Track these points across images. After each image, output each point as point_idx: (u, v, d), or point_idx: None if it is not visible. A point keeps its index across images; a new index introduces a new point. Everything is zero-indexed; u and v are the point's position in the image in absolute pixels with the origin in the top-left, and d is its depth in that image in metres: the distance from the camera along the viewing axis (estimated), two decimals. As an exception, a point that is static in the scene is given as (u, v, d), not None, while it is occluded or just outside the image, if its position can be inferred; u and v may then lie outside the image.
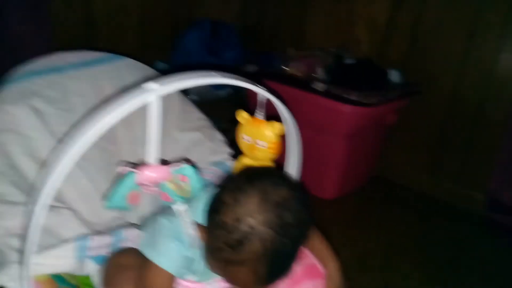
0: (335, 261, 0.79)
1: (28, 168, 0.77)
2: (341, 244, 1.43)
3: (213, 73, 0.57)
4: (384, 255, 1.41)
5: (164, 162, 0.62)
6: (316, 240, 0.80)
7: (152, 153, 0.57)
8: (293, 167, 0.78)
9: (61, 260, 0.67)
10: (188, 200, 0.66)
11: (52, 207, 0.75)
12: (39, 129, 0.82)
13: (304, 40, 2.01)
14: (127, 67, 0.96)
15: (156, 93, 0.52)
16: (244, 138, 0.71)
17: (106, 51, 1.02)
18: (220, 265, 0.61)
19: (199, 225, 0.64)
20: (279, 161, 0.77)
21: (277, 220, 0.57)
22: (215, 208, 0.60)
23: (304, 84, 1.59)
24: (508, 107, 1.54)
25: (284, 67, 1.71)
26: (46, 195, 0.50)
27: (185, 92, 1.78)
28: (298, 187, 0.64)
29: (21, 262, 0.55)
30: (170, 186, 0.62)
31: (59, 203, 0.77)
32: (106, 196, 0.61)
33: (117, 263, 0.70)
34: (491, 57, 1.58)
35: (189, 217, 0.66)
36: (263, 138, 0.69)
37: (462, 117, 1.68)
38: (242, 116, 0.71)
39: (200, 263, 0.67)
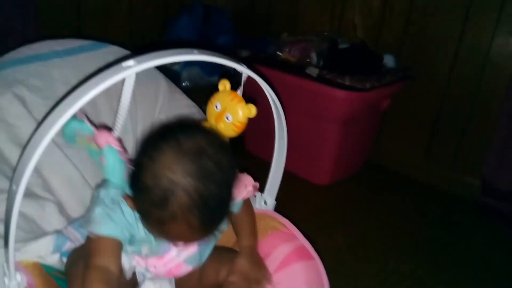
0: (251, 239, 0.77)
1: (14, 155, 0.76)
2: (335, 230, 1.43)
3: (192, 50, 0.56)
4: (378, 241, 1.41)
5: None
6: (244, 212, 0.78)
7: (118, 125, 0.58)
8: (280, 149, 0.77)
9: (42, 253, 0.67)
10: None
11: (37, 199, 0.75)
12: (24, 117, 0.81)
13: (298, 24, 1.98)
14: (112, 55, 0.94)
15: (132, 69, 0.51)
16: (217, 106, 0.69)
17: (94, 37, 1.01)
18: (156, 227, 0.61)
19: (126, 195, 0.63)
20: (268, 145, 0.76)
21: (196, 168, 0.56)
22: (135, 173, 0.59)
23: (297, 69, 1.57)
24: (502, 92, 1.53)
25: (277, 52, 1.69)
26: (27, 171, 0.50)
27: (177, 79, 1.77)
28: (214, 134, 0.63)
29: (5, 244, 0.55)
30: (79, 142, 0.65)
31: (46, 192, 0.78)
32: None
33: (73, 257, 0.70)
34: (487, 41, 1.55)
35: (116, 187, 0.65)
36: (233, 113, 0.67)
37: (457, 102, 1.66)
38: (224, 84, 0.69)
39: (139, 225, 0.66)
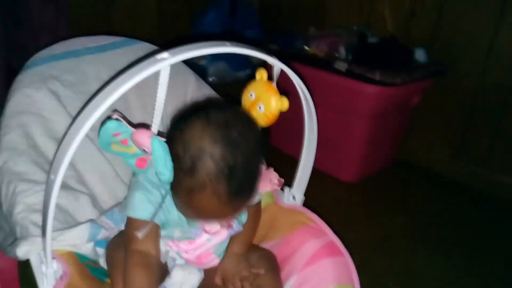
0: (242, 248, 0.76)
1: (49, 148, 0.79)
2: (362, 227, 1.41)
3: (225, 42, 0.56)
4: (405, 239, 1.39)
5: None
6: (249, 219, 0.78)
7: (156, 119, 0.58)
8: (310, 144, 0.76)
9: (77, 241, 0.69)
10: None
11: (72, 191, 0.77)
12: (58, 112, 0.84)
13: (326, 18, 1.96)
14: (143, 51, 0.95)
15: (167, 62, 0.51)
16: (251, 95, 0.69)
17: (124, 34, 1.03)
18: (185, 200, 0.62)
19: None
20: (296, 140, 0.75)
21: (223, 137, 0.58)
22: (168, 147, 0.60)
23: (326, 64, 1.55)
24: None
25: (305, 47, 1.67)
26: (65, 161, 0.51)
27: (204, 74, 1.78)
28: (242, 111, 0.66)
29: (43, 233, 0.57)
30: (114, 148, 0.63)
31: (80, 185, 0.80)
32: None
33: (113, 244, 0.72)
34: (524, 35, 1.49)
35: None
36: (266, 103, 0.67)
37: (490, 99, 1.60)
38: (261, 74, 0.69)
39: (172, 209, 0.67)
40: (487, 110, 1.62)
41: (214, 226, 0.70)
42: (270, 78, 0.69)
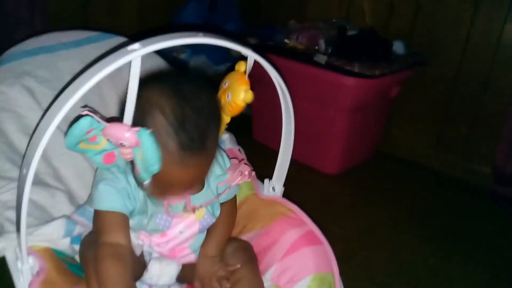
0: (216, 250, 0.75)
1: (23, 145, 0.78)
2: (344, 219, 1.43)
3: (198, 33, 0.56)
4: (388, 230, 1.41)
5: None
6: (223, 218, 0.77)
7: (128, 112, 0.56)
8: (287, 135, 0.77)
9: (54, 236, 0.68)
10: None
11: (48, 187, 0.77)
12: (32, 108, 0.83)
13: (306, 11, 1.96)
14: (118, 45, 0.94)
15: (137, 52, 0.51)
16: (225, 83, 0.71)
17: (102, 28, 1.01)
18: None
19: None
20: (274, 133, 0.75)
21: (173, 93, 0.59)
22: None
23: (305, 56, 1.56)
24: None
25: (285, 40, 1.67)
26: (36, 154, 0.50)
27: (184, 68, 1.77)
28: (197, 75, 0.68)
29: (17, 229, 0.56)
30: (138, 155, 0.58)
31: (56, 181, 0.79)
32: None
33: (86, 241, 0.71)
34: (499, 27, 1.52)
35: None
36: (234, 92, 0.69)
37: (468, 89, 1.63)
38: (240, 65, 0.71)
39: (138, 194, 0.67)
40: (465, 99, 1.65)
41: (177, 204, 0.69)
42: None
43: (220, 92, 0.72)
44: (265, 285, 0.75)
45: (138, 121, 0.58)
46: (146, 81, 0.61)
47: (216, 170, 0.74)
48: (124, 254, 0.63)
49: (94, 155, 0.61)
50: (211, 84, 0.69)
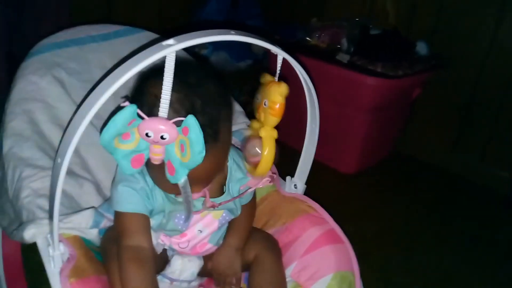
0: (238, 242, 0.76)
1: (53, 135, 0.80)
2: (361, 219, 1.43)
3: (229, 30, 0.56)
4: (404, 231, 1.40)
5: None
6: (243, 215, 0.77)
7: (164, 107, 0.55)
8: (311, 133, 0.77)
9: (83, 225, 0.70)
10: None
11: (76, 177, 0.78)
12: (62, 99, 0.84)
13: (328, 9, 1.95)
14: (146, 39, 0.96)
15: (172, 48, 0.51)
16: (258, 98, 0.68)
17: (124, 23, 1.03)
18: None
19: None
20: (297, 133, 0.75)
21: (179, 83, 0.55)
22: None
23: (327, 55, 1.56)
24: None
25: (307, 38, 1.67)
26: (71, 144, 0.51)
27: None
28: (209, 69, 0.66)
29: (50, 216, 0.57)
30: (175, 151, 0.56)
31: (84, 171, 0.81)
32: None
33: (107, 237, 0.72)
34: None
35: None
36: (267, 96, 0.66)
37: (490, 92, 1.61)
38: (264, 77, 0.68)
39: (155, 192, 0.67)
40: (486, 103, 1.63)
41: (196, 200, 0.68)
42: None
43: (258, 109, 0.69)
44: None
45: (147, 114, 0.55)
46: (148, 74, 0.60)
47: (237, 174, 0.74)
48: (146, 257, 0.63)
49: (122, 157, 0.58)
50: (219, 74, 0.69)
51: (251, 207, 0.81)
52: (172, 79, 0.53)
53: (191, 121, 0.54)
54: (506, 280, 1.23)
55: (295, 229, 0.80)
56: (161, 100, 0.53)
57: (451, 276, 1.23)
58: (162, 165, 0.58)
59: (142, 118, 0.55)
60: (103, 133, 0.56)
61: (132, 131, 0.56)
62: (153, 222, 0.69)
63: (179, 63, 0.55)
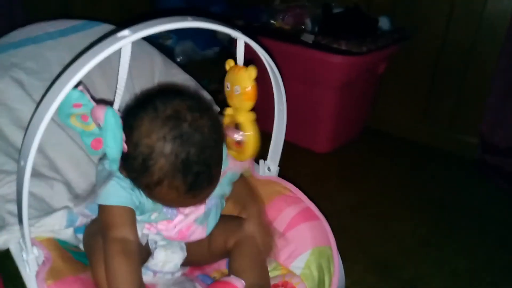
0: (257, 205, 0.77)
1: (17, 138, 0.78)
2: (337, 195, 1.46)
3: (186, 17, 0.55)
4: (379, 203, 1.44)
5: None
6: (239, 183, 0.79)
7: (118, 98, 0.57)
8: (280, 115, 0.78)
9: (56, 227, 0.69)
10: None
11: (46, 179, 0.77)
12: (23, 100, 0.83)
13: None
14: (104, 32, 0.93)
15: (128, 39, 0.51)
16: (228, 86, 0.69)
17: (83, 15, 1.00)
18: (146, 192, 0.63)
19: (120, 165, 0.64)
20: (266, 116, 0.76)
21: (173, 132, 0.57)
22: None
23: (292, 36, 1.56)
24: (497, 49, 1.52)
25: (271, 21, 1.67)
26: (33, 145, 0.51)
27: (171, 54, 1.76)
28: (195, 97, 0.65)
29: (19, 221, 0.57)
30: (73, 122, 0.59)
31: (53, 172, 0.79)
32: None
33: (90, 231, 0.72)
34: (480, -2, 1.54)
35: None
36: (237, 82, 0.67)
37: (453, 61, 1.66)
38: (228, 64, 0.69)
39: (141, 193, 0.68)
40: (450, 72, 1.67)
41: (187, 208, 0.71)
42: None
43: (229, 97, 0.70)
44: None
45: (137, 163, 0.58)
46: (136, 107, 0.61)
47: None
48: (132, 249, 0.64)
49: (85, 136, 0.61)
50: (202, 97, 0.67)
51: (245, 184, 0.81)
52: (126, 71, 0.53)
53: (107, 115, 0.56)
54: (479, 240, 1.28)
55: (272, 211, 0.81)
56: (115, 94, 0.53)
57: (427, 241, 1.28)
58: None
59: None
60: (57, 112, 0.56)
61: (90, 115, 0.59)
62: (141, 217, 0.69)
63: (170, 102, 0.58)
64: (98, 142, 0.61)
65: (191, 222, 0.74)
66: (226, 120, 0.73)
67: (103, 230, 0.65)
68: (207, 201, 0.74)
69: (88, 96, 0.56)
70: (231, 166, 0.75)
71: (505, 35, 1.49)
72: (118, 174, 0.65)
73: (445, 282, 1.14)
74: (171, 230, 0.73)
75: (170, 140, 0.57)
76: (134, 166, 0.59)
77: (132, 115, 0.60)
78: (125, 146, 0.59)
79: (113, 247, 0.63)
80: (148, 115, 0.59)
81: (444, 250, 1.25)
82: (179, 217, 0.73)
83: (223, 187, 0.76)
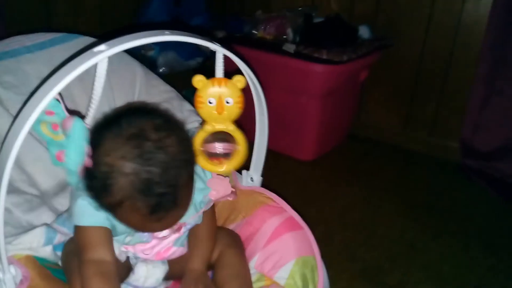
0: (200, 262, 0.73)
1: None
2: (322, 202, 1.47)
3: (163, 31, 0.55)
4: (365, 209, 1.45)
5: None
6: (203, 225, 0.75)
7: (91, 112, 0.56)
8: (261, 125, 0.78)
9: (34, 245, 0.67)
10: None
11: (24, 195, 0.75)
12: (1, 116, 0.80)
13: (271, 1, 1.96)
14: (84, 45, 0.92)
15: (104, 54, 0.50)
16: (210, 102, 0.67)
17: (64, 29, 0.99)
18: (110, 214, 0.61)
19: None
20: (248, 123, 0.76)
21: (134, 151, 0.55)
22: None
23: (274, 46, 1.57)
24: (476, 55, 1.56)
25: (253, 31, 1.68)
26: (8, 163, 0.50)
27: (153, 65, 1.75)
28: (163, 116, 0.63)
29: None
30: (43, 129, 0.58)
31: (32, 188, 0.77)
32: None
33: (67, 250, 0.70)
34: (458, 5, 1.58)
35: None
36: (228, 94, 0.66)
37: (433, 67, 1.69)
38: (199, 80, 0.66)
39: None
40: (430, 78, 1.71)
41: (161, 232, 0.69)
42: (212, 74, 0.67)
43: (215, 112, 0.68)
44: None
45: (97, 182, 0.56)
46: (102, 124, 0.60)
47: (198, 184, 0.72)
48: (109, 270, 0.62)
49: (51, 145, 0.59)
50: (173, 117, 0.65)
51: (209, 221, 0.77)
52: (102, 87, 0.53)
53: (75, 125, 0.56)
54: (464, 244, 1.30)
55: (255, 221, 0.81)
56: (89, 108, 0.53)
57: (414, 245, 1.29)
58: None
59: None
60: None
61: (60, 126, 0.58)
62: (116, 238, 0.68)
63: (136, 121, 0.56)
64: (63, 153, 0.60)
65: (169, 244, 0.73)
66: (202, 136, 0.71)
67: (79, 251, 0.63)
68: (187, 224, 0.73)
69: (62, 106, 0.55)
70: (213, 194, 0.73)
71: (482, 40, 1.53)
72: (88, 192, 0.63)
73: (431, 286, 1.15)
74: (148, 252, 0.72)
75: (131, 159, 0.55)
76: (94, 185, 0.57)
77: (97, 133, 0.59)
78: (88, 161, 0.57)
79: (90, 269, 0.61)
80: (111, 133, 0.57)
81: (430, 254, 1.26)
82: (154, 241, 0.71)
83: (196, 206, 0.73)
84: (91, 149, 0.57)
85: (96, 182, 0.57)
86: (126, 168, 0.55)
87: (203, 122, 0.71)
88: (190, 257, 0.74)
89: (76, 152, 0.56)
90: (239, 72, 0.68)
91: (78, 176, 0.59)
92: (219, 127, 0.70)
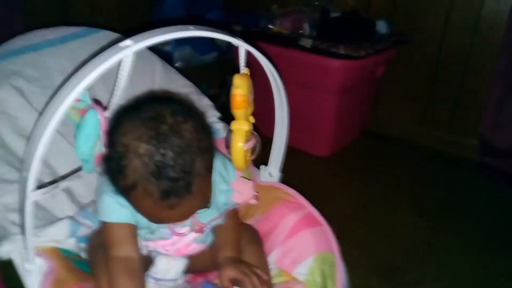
0: (234, 252, 0.73)
1: (18, 146, 0.78)
2: (339, 199, 1.46)
3: (188, 26, 0.55)
4: (381, 206, 1.44)
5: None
6: (228, 225, 0.75)
7: (113, 104, 0.58)
8: (281, 120, 0.78)
9: (58, 237, 0.68)
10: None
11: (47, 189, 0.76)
12: (24, 109, 0.82)
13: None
14: (105, 39, 0.93)
15: (130, 49, 0.51)
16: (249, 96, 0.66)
17: (82, 23, 1.00)
18: (126, 199, 0.60)
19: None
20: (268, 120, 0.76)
21: (149, 132, 0.55)
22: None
23: (291, 41, 1.56)
24: (495, 50, 1.53)
25: (269, 26, 1.67)
26: (36, 160, 0.51)
27: (169, 60, 1.76)
28: (185, 103, 0.63)
29: (22, 231, 0.56)
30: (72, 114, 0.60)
31: (51, 178, 0.79)
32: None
33: (93, 244, 0.71)
34: (477, 0, 1.54)
35: None
36: (251, 91, 0.66)
37: (451, 64, 1.66)
38: (243, 78, 0.65)
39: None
40: (449, 74, 1.68)
41: (182, 228, 0.69)
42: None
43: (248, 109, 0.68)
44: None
45: (113, 163, 0.57)
46: (123, 109, 0.61)
47: (220, 185, 0.72)
48: (135, 267, 0.63)
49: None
50: (193, 105, 0.64)
51: (235, 218, 0.77)
52: (126, 82, 0.53)
53: (89, 115, 0.58)
54: (482, 243, 1.28)
55: (274, 217, 0.81)
56: (111, 101, 0.54)
57: (431, 244, 1.28)
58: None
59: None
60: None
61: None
62: (139, 233, 0.68)
63: (155, 105, 0.56)
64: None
65: (190, 242, 0.74)
66: (244, 134, 0.70)
67: (106, 247, 0.64)
68: (208, 223, 0.73)
69: (88, 95, 0.57)
70: (236, 196, 0.73)
71: (503, 37, 1.50)
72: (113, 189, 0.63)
73: (448, 285, 1.14)
74: (169, 248, 0.73)
75: (146, 140, 0.54)
76: (110, 166, 0.58)
77: (116, 116, 0.60)
78: (105, 150, 0.58)
79: (117, 266, 0.62)
80: (130, 115, 0.58)
81: (447, 252, 1.25)
82: (175, 238, 0.72)
83: (219, 207, 0.73)
84: (110, 131, 0.59)
85: (112, 164, 0.57)
86: (140, 149, 0.55)
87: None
88: (222, 249, 0.73)
89: (85, 140, 0.57)
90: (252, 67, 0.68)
91: (92, 164, 0.60)
92: (250, 123, 0.70)
